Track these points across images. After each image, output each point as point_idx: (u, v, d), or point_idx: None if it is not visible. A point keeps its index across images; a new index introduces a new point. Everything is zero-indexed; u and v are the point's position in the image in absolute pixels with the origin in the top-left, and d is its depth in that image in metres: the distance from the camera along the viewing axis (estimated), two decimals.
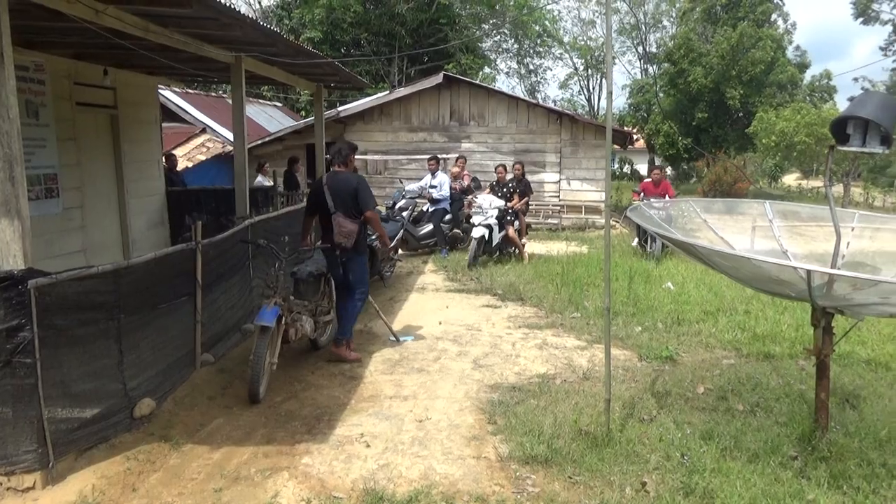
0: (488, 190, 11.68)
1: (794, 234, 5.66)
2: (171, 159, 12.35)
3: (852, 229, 5.23)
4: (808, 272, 3.57)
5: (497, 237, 10.78)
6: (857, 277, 3.94)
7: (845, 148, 4.27)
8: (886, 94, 5.66)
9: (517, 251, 11.40)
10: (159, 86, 10.62)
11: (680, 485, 3.83)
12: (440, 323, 7.47)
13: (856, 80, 53.64)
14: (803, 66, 36.02)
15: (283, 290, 5.60)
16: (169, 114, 16.16)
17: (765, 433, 4.47)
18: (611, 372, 4.63)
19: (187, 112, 17.56)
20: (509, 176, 11.97)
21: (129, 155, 8.93)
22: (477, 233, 10.48)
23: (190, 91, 20.16)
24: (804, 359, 6.10)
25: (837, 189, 28.28)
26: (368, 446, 4.43)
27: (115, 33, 5.54)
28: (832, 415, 4.56)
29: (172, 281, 5.17)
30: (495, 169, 12.06)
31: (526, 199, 11.88)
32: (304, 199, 7.01)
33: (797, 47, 38.55)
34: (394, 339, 6.77)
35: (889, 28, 44.51)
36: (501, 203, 10.90)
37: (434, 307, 8.23)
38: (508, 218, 11.06)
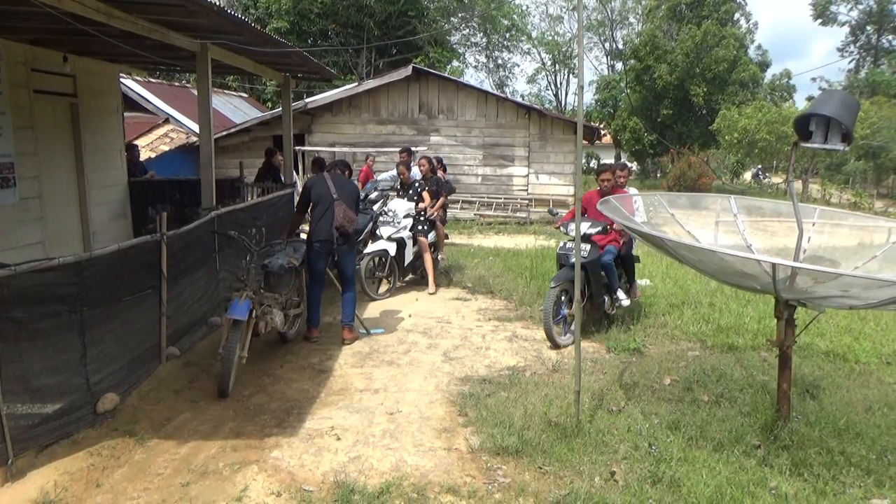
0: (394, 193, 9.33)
1: (756, 228, 5.78)
2: (133, 150, 12.05)
3: (813, 224, 5.37)
4: (774, 265, 3.65)
5: (410, 253, 8.53)
6: (819, 271, 4.05)
7: (808, 145, 4.38)
8: (847, 93, 5.80)
9: (422, 270, 8.89)
10: (120, 74, 10.35)
11: (647, 474, 3.89)
12: (410, 316, 7.46)
13: (814, 79, 54.97)
14: (764, 65, 36.89)
15: (253, 283, 5.53)
16: (130, 103, 15.77)
17: (729, 423, 4.57)
18: (581, 364, 4.68)
19: (149, 102, 17.15)
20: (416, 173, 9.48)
21: (89, 145, 8.68)
22: (391, 249, 8.22)
23: (152, 80, 19.70)
24: (766, 350, 6.26)
25: (797, 185, 29.03)
26: (339, 439, 4.40)
27: (77, 18, 5.37)
28: (793, 405, 4.69)
29: (137, 273, 5.04)
30: (396, 166, 9.59)
31: (441, 200, 9.11)
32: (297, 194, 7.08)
33: (759, 46, 39.50)
34: (364, 331, 6.74)
35: (846, 30, 45.80)
36: (411, 206, 8.68)
37: (404, 300, 8.21)
38: (420, 228, 8.65)
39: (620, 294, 6.91)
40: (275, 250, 6.26)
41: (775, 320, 4.49)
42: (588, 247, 6.55)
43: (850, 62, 52.41)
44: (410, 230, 8.51)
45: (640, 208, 6.17)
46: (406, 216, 8.50)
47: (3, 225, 6.83)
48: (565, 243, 6.69)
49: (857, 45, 52.25)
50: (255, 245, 5.78)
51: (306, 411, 4.85)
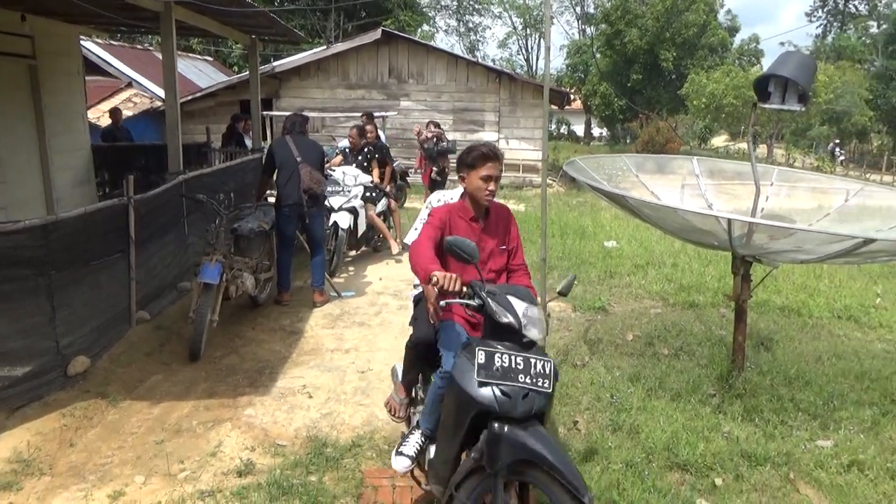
0: (339, 158, 8.71)
1: (721, 192, 5.95)
2: (117, 114, 11.75)
3: (771, 184, 5.55)
4: (729, 221, 3.80)
5: (363, 224, 8.10)
6: (772, 226, 4.22)
7: (766, 105, 4.52)
8: (805, 54, 5.94)
9: (380, 236, 8.75)
10: (80, 36, 10.05)
11: (609, 422, 4.08)
12: (381, 279, 7.53)
13: (782, 44, 55.56)
14: (733, 30, 37.07)
15: (223, 247, 5.54)
16: (91, 67, 15.31)
17: (687, 374, 4.78)
18: (547, 321, 4.82)
19: (111, 65, 16.66)
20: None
21: (50, 108, 8.47)
22: (343, 221, 7.58)
23: (114, 43, 19.11)
24: (724, 306, 6.48)
25: (762, 149, 29.55)
26: (311, 397, 4.50)
27: None
28: (748, 356, 4.91)
29: (105, 237, 5.02)
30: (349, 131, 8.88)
31: (388, 168, 8.91)
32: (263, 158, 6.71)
33: (728, 11, 39.71)
34: (335, 294, 6.80)
35: None
36: (367, 178, 8.25)
37: (375, 264, 8.27)
38: (372, 194, 8.39)
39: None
40: (244, 214, 6.25)
41: (733, 277, 4.67)
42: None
43: (817, 27, 53.06)
44: (361, 199, 8.03)
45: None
46: (357, 184, 7.95)
47: None
48: None
49: (825, 9, 52.82)
50: (225, 209, 5.76)
51: (278, 371, 4.93)
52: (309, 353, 5.33)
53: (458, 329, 2.99)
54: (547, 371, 2.57)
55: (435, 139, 10.99)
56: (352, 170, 8.12)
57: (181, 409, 4.29)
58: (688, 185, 5.98)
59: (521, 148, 16.84)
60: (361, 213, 7.97)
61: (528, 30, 47.88)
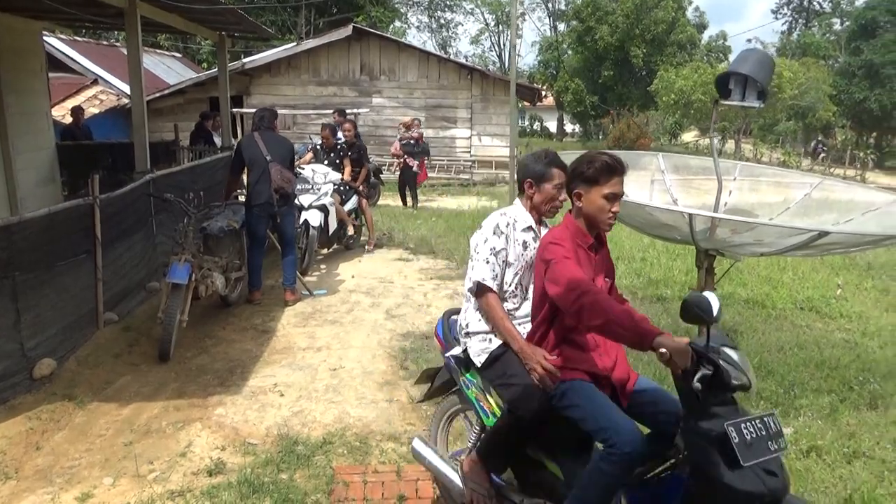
0: (310, 155, 8.74)
1: (689, 188, 6.08)
2: (78, 113, 11.51)
3: (734, 179, 5.68)
4: (690, 216, 3.89)
5: (334, 222, 7.98)
6: (732, 220, 4.33)
7: (727, 102, 4.63)
8: (763, 51, 6.08)
9: (349, 231, 8.62)
10: (44, 32, 9.86)
11: None
12: (353, 277, 7.54)
13: (749, 40, 56.51)
14: (701, 27, 37.65)
15: (192, 246, 5.49)
16: (55, 63, 15.00)
17: (654, 366, 4.86)
18: None
19: (76, 62, 16.35)
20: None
21: (12, 107, 8.29)
22: (313, 219, 7.50)
23: (78, 39, 18.74)
24: None
25: (730, 145, 30.07)
26: (282, 395, 4.50)
27: None
28: None
29: (70, 238, 4.96)
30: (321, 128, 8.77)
31: (363, 172, 8.77)
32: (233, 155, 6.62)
33: (696, 8, 40.34)
34: (307, 293, 6.79)
35: None
36: (337, 176, 8.14)
37: (347, 262, 8.27)
38: (341, 190, 8.30)
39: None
40: (213, 213, 6.22)
41: (697, 270, 4.78)
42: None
43: (783, 24, 54.10)
44: (331, 196, 7.94)
45: None
46: (326, 182, 7.89)
47: None
48: None
49: (790, 7, 53.86)
50: (193, 208, 5.71)
51: (249, 370, 4.92)
52: (280, 351, 5.32)
53: (594, 389, 2.45)
54: (779, 427, 2.13)
55: (415, 142, 12.06)
56: (321, 168, 8.07)
57: (150, 410, 4.27)
58: (657, 180, 6.10)
59: (494, 144, 16.93)
60: (332, 210, 7.91)
61: (500, 26, 48.06)
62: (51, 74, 10.70)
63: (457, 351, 2.92)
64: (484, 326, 2.76)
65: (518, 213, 2.80)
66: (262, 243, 6.47)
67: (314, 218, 7.52)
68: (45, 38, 10.21)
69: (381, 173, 12.60)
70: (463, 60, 29.14)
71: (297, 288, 6.59)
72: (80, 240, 5.09)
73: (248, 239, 6.42)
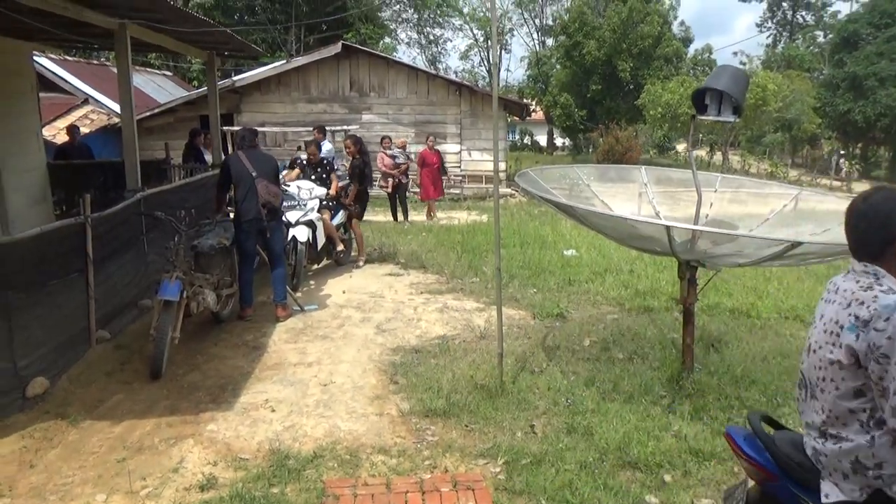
0: (297, 171, 8.59)
1: (674, 199, 6.20)
2: (73, 132, 11.53)
3: (715, 191, 5.81)
4: (668, 228, 3.99)
5: (322, 237, 8.05)
6: (710, 231, 4.43)
7: (704, 117, 4.76)
8: (738, 67, 6.23)
9: (337, 248, 8.54)
10: (34, 52, 9.94)
11: (564, 425, 4.22)
12: (344, 292, 7.60)
13: (735, 54, 57.21)
14: (687, 41, 38.17)
15: (183, 264, 5.55)
16: (46, 83, 15.08)
17: (640, 377, 4.96)
18: (503, 328, 4.98)
19: (67, 81, 16.44)
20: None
21: (3, 127, 8.36)
22: (301, 235, 7.53)
23: (69, 58, 18.84)
24: (677, 310, 6.70)
25: (718, 157, 30.38)
26: (274, 411, 4.55)
27: None
28: (697, 357, 5.12)
29: (62, 257, 5.02)
30: (306, 146, 8.87)
31: (350, 186, 8.89)
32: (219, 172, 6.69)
33: (682, 22, 40.81)
34: (298, 308, 6.85)
35: (764, 5, 47.60)
36: (323, 191, 8.14)
37: (338, 277, 8.34)
38: (327, 204, 8.25)
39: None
40: (204, 231, 6.28)
41: (679, 281, 4.88)
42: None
43: (767, 37, 54.89)
44: (318, 211, 7.94)
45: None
46: (312, 198, 7.90)
47: None
48: None
49: (775, 20, 54.69)
50: (184, 226, 5.78)
51: (241, 386, 4.97)
52: (272, 367, 5.37)
53: None
54: None
55: (401, 150, 13.06)
56: (306, 183, 8.13)
57: (143, 427, 4.31)
58: (645, 193, 6.22)
59: (483, 159, 17.09)
60: (319, 226, 7.94)
61: (489, 42, 48.43)
62: (41, 94, 10.78)
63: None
64: None
65: None
66: (252, 260, 6.54)
67: (302, 234, 7.56)
68: (35, 58, 10.28)
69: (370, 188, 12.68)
70: (452, 76, 29.43)
71: (288, 303, 6.64)
72: (72, 258, 5.15)
73: (239, 255, 6.49)
